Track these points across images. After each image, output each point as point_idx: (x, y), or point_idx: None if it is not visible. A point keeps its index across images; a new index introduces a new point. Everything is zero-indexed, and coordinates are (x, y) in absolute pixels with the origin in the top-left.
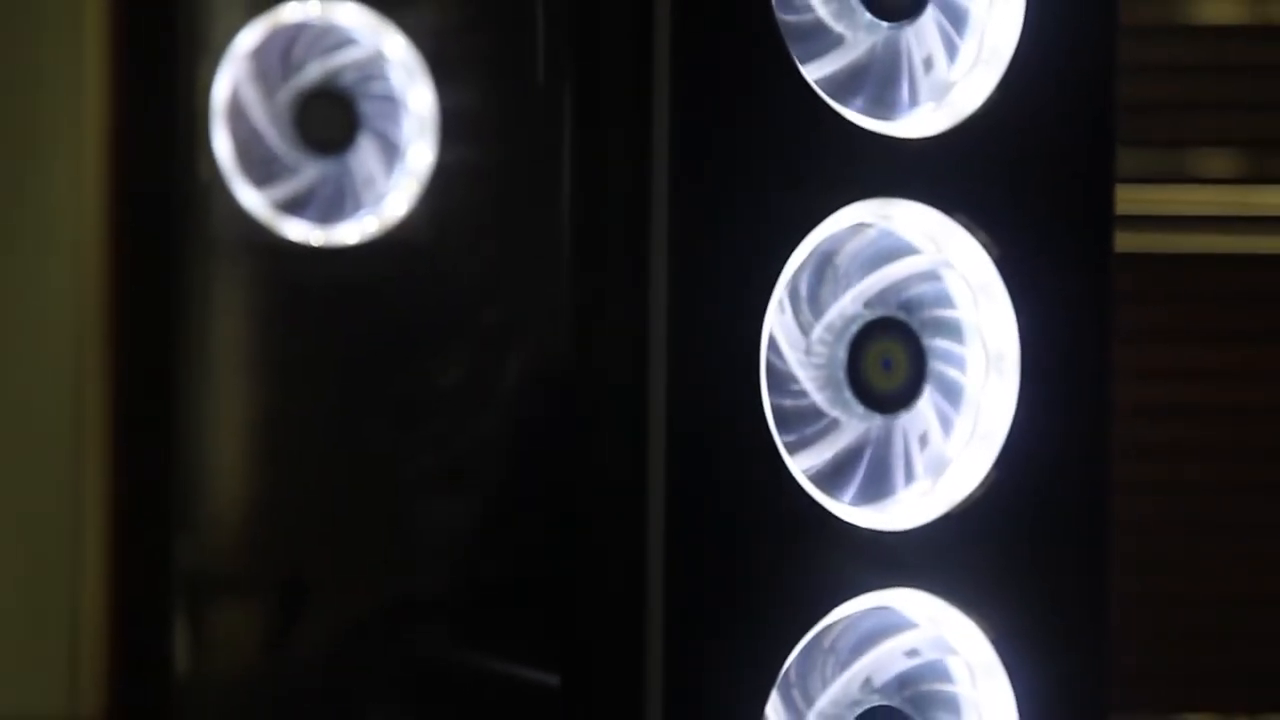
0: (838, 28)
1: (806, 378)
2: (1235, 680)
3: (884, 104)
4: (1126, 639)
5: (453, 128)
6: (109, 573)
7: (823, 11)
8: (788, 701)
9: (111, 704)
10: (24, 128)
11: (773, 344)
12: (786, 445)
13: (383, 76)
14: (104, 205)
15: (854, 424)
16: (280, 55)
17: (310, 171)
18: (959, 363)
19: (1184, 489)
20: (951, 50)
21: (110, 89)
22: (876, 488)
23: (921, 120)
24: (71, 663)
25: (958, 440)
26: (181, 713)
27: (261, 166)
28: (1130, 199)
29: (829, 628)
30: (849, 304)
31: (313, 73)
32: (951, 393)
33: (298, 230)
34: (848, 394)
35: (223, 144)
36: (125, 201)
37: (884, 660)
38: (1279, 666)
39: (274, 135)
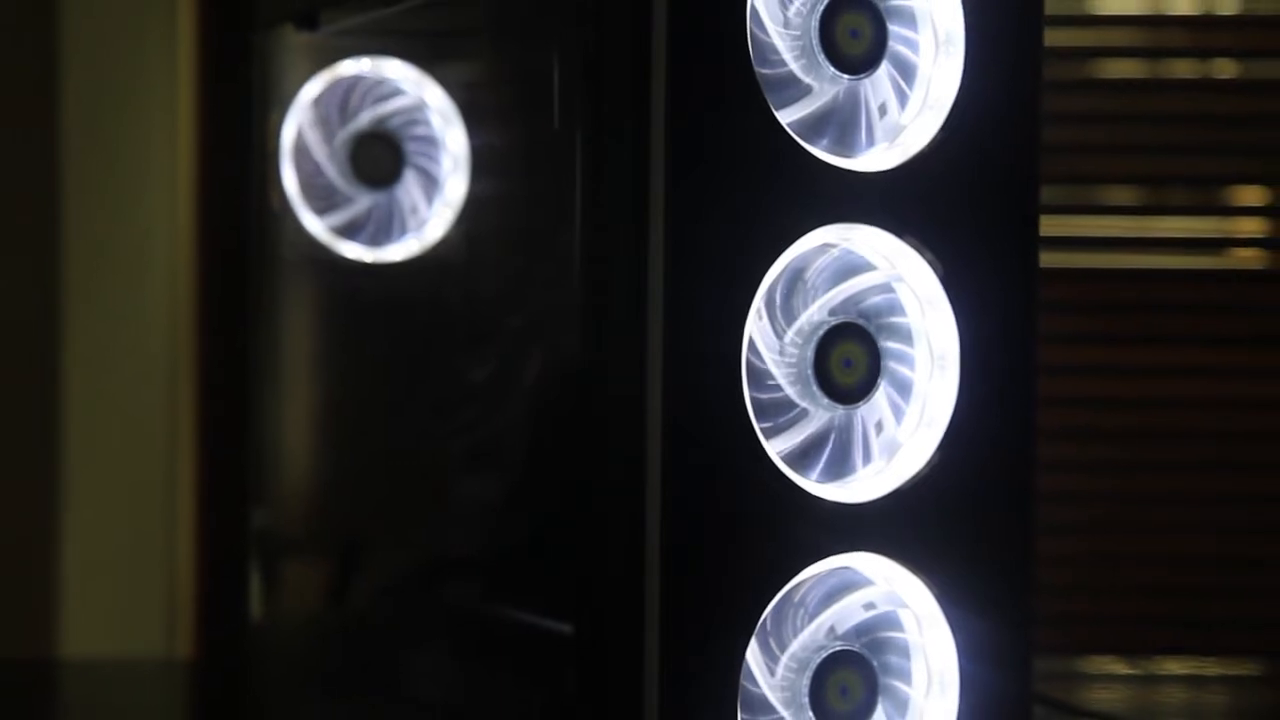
0: (806, 79)
1: (780, 375)
2: (1146, 625)
3: (845, 144)
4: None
5: (483, 164)
6: (197, 537)
7: (794, 66)
8: (764, 647)
9: (200, 646)
10: (129, 169)
11: (752, 346)
12: (763, 431)
13: (424, 121)
14: (193, 230)
15: (820, 414)
16: (338, 103)
17: (363, 201)
18: (909, 362)
19: (1091, 466)
20: (902, 98)
21: (198, 135)
22: (839, 467)
23: (877, 157)
24: (168, 612)
25: (908, 427)
26: (256, 653)
27: (322, 197)
28: (1052, 225)
29: (799, 585)
30: (816, 312)
31: (365, 118)
32: (902, 387)
33: (352, 250)
34: (815, 388)
35: (290, 179)
36: (210, 227)
37: (846, 612)
38: (1185, 613)
39: (333, 171)
